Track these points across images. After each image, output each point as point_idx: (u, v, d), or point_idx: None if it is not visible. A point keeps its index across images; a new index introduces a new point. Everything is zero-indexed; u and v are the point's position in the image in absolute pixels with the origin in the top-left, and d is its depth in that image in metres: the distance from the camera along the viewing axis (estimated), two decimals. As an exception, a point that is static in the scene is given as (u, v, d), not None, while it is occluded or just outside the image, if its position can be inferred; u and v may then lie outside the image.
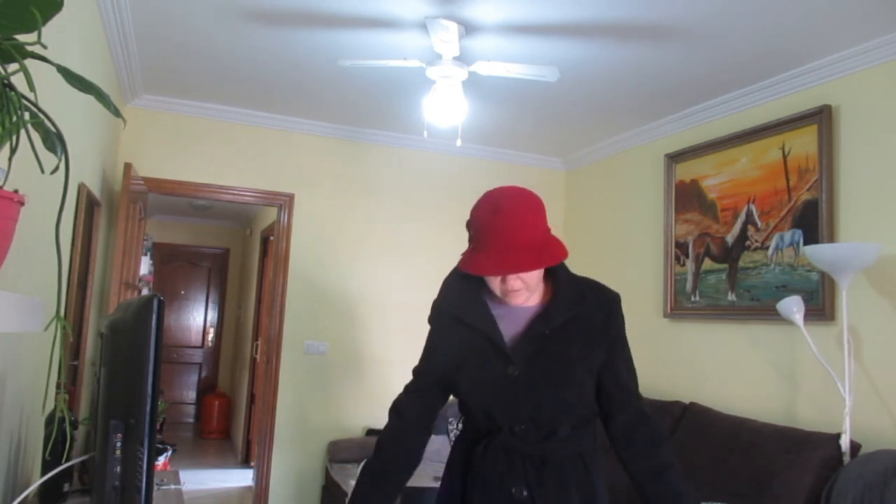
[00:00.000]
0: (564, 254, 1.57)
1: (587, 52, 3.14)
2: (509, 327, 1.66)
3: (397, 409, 1.74)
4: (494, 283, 1.59)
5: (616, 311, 1.69)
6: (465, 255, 1.61)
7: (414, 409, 1.73)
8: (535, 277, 1.60)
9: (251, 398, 6.44)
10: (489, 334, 1.63)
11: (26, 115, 0.84)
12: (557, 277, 1.69)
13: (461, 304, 1.69)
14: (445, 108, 3.08)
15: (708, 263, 3.70)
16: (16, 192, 0.82)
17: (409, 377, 1.80)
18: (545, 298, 1.69)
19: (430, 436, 1.78)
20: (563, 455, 1.65)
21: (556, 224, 5.09)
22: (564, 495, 1.61)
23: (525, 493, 1.59)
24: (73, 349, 2.98)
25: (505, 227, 1.51)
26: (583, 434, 1.69)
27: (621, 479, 1.77)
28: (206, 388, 8.27)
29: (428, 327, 1.79)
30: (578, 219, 4.99)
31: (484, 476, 1.63)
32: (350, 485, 3.41)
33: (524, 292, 1.60)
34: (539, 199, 1.61)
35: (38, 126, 0.88)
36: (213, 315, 8.55)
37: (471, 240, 1.60)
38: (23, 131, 0.83)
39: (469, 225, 1.60)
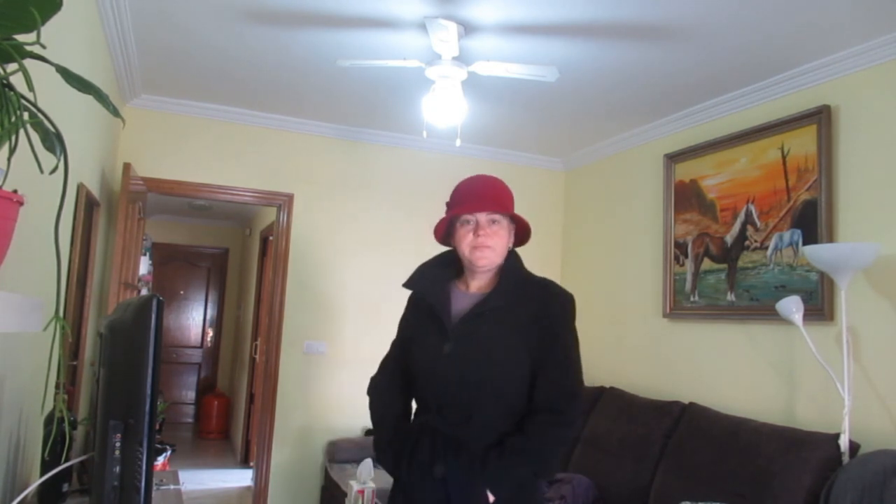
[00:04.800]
0: (526, 224, 1.82)
1: (587, 52, 3.14)
2: (459, 309, 1.78)
3: (374, 384, 1.95)
4: (466, 240, 1.75)
5: (554, 305, 1.76)
6: (440, 220, 1.81)
7: (387, 381, 1.93)
8: (502, 242, 1.77)
9: (250, 398, 6.44)
10: (437, 310, 1.77)
11: (25, 115, 0.84)
12: (503, 268, 1.81)
13: (422, 282, 1.86)
14: (445, 108, 3.08)
15: (707, 263, 3.70)
16: (15, 192, 0.82)
17: None
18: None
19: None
20: (480, 440, 1.68)
21: (556, 224, 5.10)
22: (472, 480, 1.65)
23: (441, 474, 1.67)
24: (72, 349, 2.98)
25: (480, 183, 1.80)
26: (507, 424, 1.70)
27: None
28: (206, 388, 8.27)
29: None
30: (578, 219, 4.99)
31: (414, 455, 1.72)
32: (349, 485, 3.41)
33: (490, 253, 1.74)
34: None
35: (38, 126, 0.88)
36: (212, 315, 8.55)
37: (448, 208, 1.82)
38: (22, 131, 0.83)
39: (450, 197, 1.82)
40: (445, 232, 1.86)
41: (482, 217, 1.75)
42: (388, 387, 1.90)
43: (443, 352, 1.71)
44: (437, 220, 1.85)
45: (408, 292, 1.97)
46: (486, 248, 1.74)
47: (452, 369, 1.70)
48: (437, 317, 1.77)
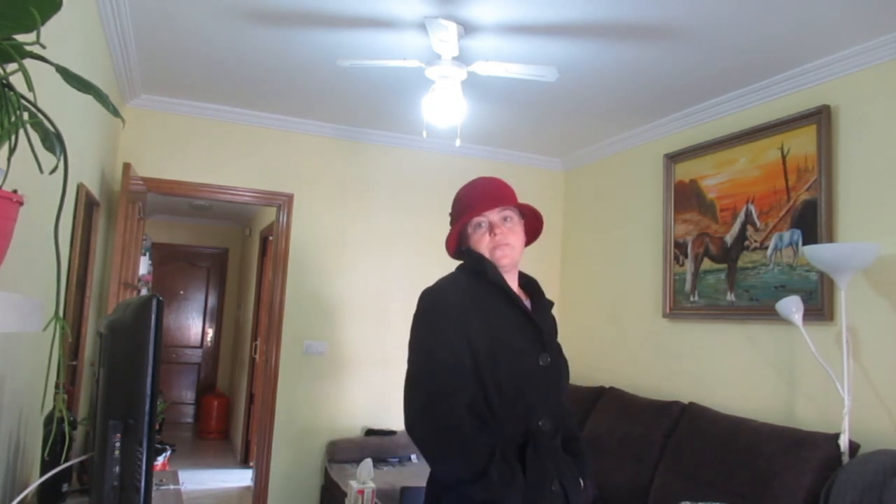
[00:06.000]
0: (537, 214, 1.80)
1: (587, 52, 3.14)
2: None
3: (461, 431, 1.54)
4: (484, 242, 1.71)
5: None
6: (449, 234, 1.76)
7: (466, 412, 1.57)
8: (519, 238, 1.75)
9: (250, 398, 6.44)
10: (530, 316, 1.71)
11: (25, 115, 0.84)
12: (530, 282, 1.83)
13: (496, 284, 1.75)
14: (444, 108, 3.08)
15: (707, 263, 3.70)
16: (15, 192, 0.82)
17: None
18: (528, 297, 1.80)
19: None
20: (560, 447, 1.73)
21: (555, 224, 5.10)
22: (577, 483, 1.72)
23: (556, 487, 1.64)
24: (71, 349, 2.98)
25: (486, 184, 1.77)
26: None
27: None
28: (205, 388, 8.27)
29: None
30: (577, 219, 4.99)
31: (538, 477, 1.60)
32: (349, 485, 3.41)
33: (511, 251, 1.71)
34: None
35: (37, 126, 0.88)
36: (211, 315, 8.55)
37: (453, 220, 1.77)
38: (22, 131, 0.83)
39: (452, 209, 1.77)
40: (458, 244, 1.78)
41: (494, 216, 1.71)
42: (469, 419, 1.56)
43: (539, 363, 1.65)
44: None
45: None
46: (506, 245, 1.70)
47: (552, 382, 1.68)
48: (523, 323, 1.67)
